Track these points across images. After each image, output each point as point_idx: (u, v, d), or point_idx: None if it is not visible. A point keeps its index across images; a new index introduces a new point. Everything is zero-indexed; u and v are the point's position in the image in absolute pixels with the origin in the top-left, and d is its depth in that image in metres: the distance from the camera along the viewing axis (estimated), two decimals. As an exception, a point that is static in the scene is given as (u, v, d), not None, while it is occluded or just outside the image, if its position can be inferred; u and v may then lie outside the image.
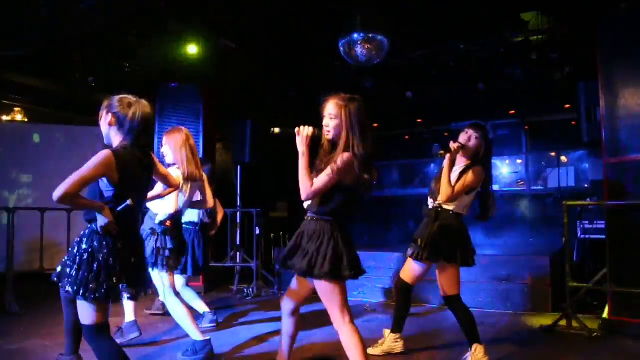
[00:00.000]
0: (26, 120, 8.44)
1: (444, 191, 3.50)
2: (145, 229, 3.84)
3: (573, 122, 7.71)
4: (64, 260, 2.58)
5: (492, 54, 7.42)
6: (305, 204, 2.84)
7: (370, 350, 3.72)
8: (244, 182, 7.60)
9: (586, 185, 8.10)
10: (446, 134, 9.90)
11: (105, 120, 2.64)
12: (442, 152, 3.59)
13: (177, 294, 3.99)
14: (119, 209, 2.51)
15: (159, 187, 3.69)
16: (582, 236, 6.04)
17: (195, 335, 3.74)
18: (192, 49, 7.00)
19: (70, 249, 2.59)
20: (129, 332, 4.22)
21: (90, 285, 2.45)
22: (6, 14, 5.50)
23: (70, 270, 2.49)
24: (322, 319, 2.85)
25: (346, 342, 2.78)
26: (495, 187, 9.18)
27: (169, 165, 4.03)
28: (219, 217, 5.16)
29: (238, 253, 7.15)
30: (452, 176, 3.56)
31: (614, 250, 4.54)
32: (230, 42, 7.02)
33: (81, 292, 2.45)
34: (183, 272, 4.56)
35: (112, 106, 2.64)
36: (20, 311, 5.31)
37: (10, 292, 5.41)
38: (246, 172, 7.63)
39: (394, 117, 9.88)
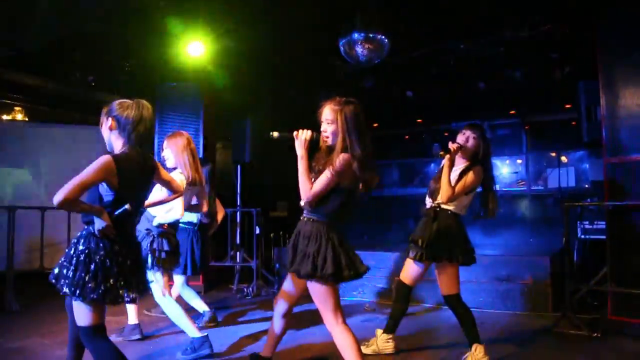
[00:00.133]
0: (26, 119, 8.45)
1: (444, 192, 3.51)
2: (140, 229, 3.86)
3: (573, 122, 7.71)
4: (60, 261, 2.58)
5: (492, 54, 7.41)
6: (302, 204, 2.85)
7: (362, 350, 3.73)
8: (244, 182, 7.60)
9: (586, 186, 8.09)
10: (446, 134, 9.89)
11: (106, 125, 2.65)
12: (441, 152, 3.60)
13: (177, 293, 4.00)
14: (116, 213, 2.52)
15: (158, 192, 3.69)
16: (583, 236, 6.04)
17: (192, 332, 3.76)
18: (192, 48, 6.98)
19: (67, 250, 2.59)
20: (130, 334, 4.25)
21: (88, 286, 2.45)
22: (6, 12, 5.50)
23: (67, 272, 2.50)
24: (320, 317, 2.86)
25: (340, 343, 2.80)
26: (495, 188, 9.16)
27: (169, 169, 4.05)
28: (219, 216, 5.17)
29: (238, 252, 7.15)
30: (451, 176, 3.57)
31: (614, 251, 4.54)
32: (230, 41, 7.01)
33: (77, 292, 2.46)
34: (183, 272, 4.58)
35: (112, 110, 2.65)
36: (20, 310, 5.32)
37: (11, 291, 5.41)
38: (246, 172, 7.63)
39: (394, 117, 9.88)
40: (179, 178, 3.90)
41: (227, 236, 7.04)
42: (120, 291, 2.53)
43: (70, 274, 2.48)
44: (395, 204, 9.19)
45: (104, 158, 2.49)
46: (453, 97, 8.66)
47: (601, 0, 4.76)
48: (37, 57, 6.90)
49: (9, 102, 8.26)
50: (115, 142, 2.65)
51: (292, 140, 2.82)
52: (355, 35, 6.09)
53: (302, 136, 2.81)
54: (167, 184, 3.01)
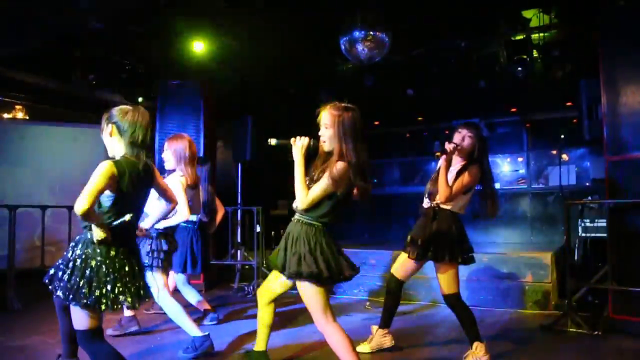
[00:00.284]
0: (27, 117, 8.45)
1: (442, 192, 3.52)
2: (139, 234, 3.87)
3: (574, 120, 7.70)
4: (57, 263, 2.58)
5: (494, 52, 7.40)
6: (294, 205, 2.88)
7: (360, 348, 3.76)
8: (245, 180, 7.60)
9: (587, 184, 8.08)
10: (447, 132, 9.87)
11: (106, 131, 2.66)
12: (437, 153, 3.61)
13: (177, 290, 4.00)
14: (115, 223, 2.52)
15: (156, 200, 3.73)
16: (583, 234, 6.03)
17: (193, 331, 3.77)
18: (193, 47, 6.99)
19: (65, 253, 2.59)
20: (128, 326, 4.30)
21: (82, 291, 2.45)
22: (6, 11, 5.50)
23: (62, 275, 2.50)
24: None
25: (333, 341, 2.84)
26: (496, 185, 9.15)
27: (168, 171, 4.08)
28: (219, 215, 5.17)
29: (239, 251, 7.16)
30: (449, 176, 3.58)
31: (615, 249, 4.53)
32: (231, 40, 7.01)
33: (71, 297, 2.45)
34: (183, 270, 4.60)
35: (112, 116, 2.66)
36: (21, 308, 5.32)
37: (12, 289, 5.42)
38: (247, 170, 7.63)
39: (394, 115, 9.87)
40: (179, 180, 3.93)
41: (228, 235, 7.04)
42: (120, 297, 2.52)
43: (66, 277, 2.48)
44: (396, 202, 9.19)
45: (105, 164, 2.50)
46: (454, 95, 8.65)
47: (603, -1, 4.76)
48: (37, 56, 6.91)
49: (10, 100, 8.27)
50: (116, 148, 2.66)
51: (290, 147, 2.86)
52: (356, 34, 6.09)
53: (299, 143, 2.84)
54: (163, 192, 3.01)
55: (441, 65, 7.75)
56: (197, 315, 4.81)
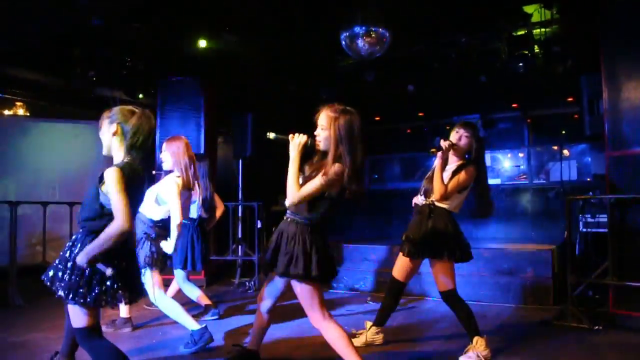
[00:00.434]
0: (28, 114, 8.45)
1: (437, 190, 3.54)
2: (137, 232, 3.95)
3: (575, 116, 7.69)
4: (55, 263, 2.59)
5: (495, 47, 7.38)
6: (286, 204, 2.90)
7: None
8: (246, 176, 7.61)
9: (588, 179, 8.07)
10: (447, 127, 9.86)
11: (109, 129, 2.63)
12: (433, 150, 3.62)
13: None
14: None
15: (150, 199, 3.94)
16: (584, 230, 6.03)
17: (191, 325, 3.81)
18: (193, 43, 6.98)
19: (61, 253, 2.60)
20: (121, 327, 4.35)
21: (81, 290, 2.46)
22: (7, 8, 5.49)
23: (62, 274, 2.50)
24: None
25: (330, 337, 2.88)
26: (497, 181, 9.17)
27: (165, 172, 4.13)
28: (218, 212, 5.19)
29: (240, 246, 7.17)
30: (444, 175, 3.59)
31: (616, 244, 4.54)
32: (231, 36, 7.00)
33: (71, 296, 2.46)
34: (183, 267, 4.62)
35: (116, 116, 2.64)
36: (23, 304, 5.34)
37: (13, 285, 5.43)
38: (247, 166, 7.64)
39: (395, 111, 9.87)
40: (175, 181, 3.99)
41: (229, 230, 7.04)
42: (119, 292, 2.54)
43: (66, 277, 2.49)
44: (397, 198, 9.17)
45: (116, 171, 2.47)
46: (454, 91, 8.64)
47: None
48: (38, 53, 6.90)
49: (10, 97, 8.26)
50: (116, 149, 2.65)
51: (288, 142, 2.87)
52: (357, 29, 6.07)
53: (296, 140, 2.85)
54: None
55: (442, 61, 7.73)
56: (198, 311, 4.82)
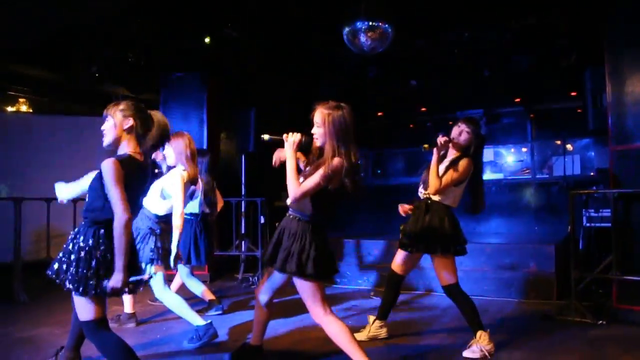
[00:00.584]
0: (31, 111, 8.46)
1: (432, 183, 3.57)
2: (142, 227, 3.98)
3: (579, 110, 7.66)
4: (59, 256, 2.60)
5: (498, 42, 7.35)
6: (288, 202, 2.92)
7: (356, 336, 3.78)
8: (248, 172, 7.61)
9: (592, 174, 8.05)
10: (450, 123, 9.82)
11: (123, 123, 2.63)
12: (425, 146, 3.63)
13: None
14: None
15: (156, 193, 3.99)
16: (588, 224, 6.02)
17: (196, 321, 3.83)
18: (196, 38, 6.97)
19: (64, 246, 2.60)
20: (125, 323, 4.38)
21: (90, 282, 2.47)
22: (10, 5, 5.50)
23: (68, 267, 2.52)
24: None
25: (332, 332, 2.92)
26: (500, 176, 9.16)
27: (169, 167, 4.17)
28: (218, 207, 5.21)
29: (243, 242, 7.18)
30: (441, 168, 3.61)
31: (619, 239, 4.53)
32: (233, 31, 6.99)
33: (81, 289, 2.48)
34: (187, 262, 4.64)
35: (130, 111, 2.64)
36: (28, 300, 5.36)
37: (19, 281, 5.46)
38: (250, 161, 7.64)
39: (398, 106, 9.83)
40: (180, 174, 4.05)
41: (232, 226, 7.06)
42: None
43: (73, 270, 2.50)
44: (400, 193, 9.15)
45: (113, 163, 2.48)
46: (457, 86, 8.62)
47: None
48: (40, 49, 6.90)
49: (13, 93, 8.28)
50: (125, 142, 2.65)
51: (283, 142, 2.90)
52: (359, 24, 6.05)
53: (291, 139, 2.88)
54: None
55: (444, 56, 7.71)
56: (202, 306, 4.84)
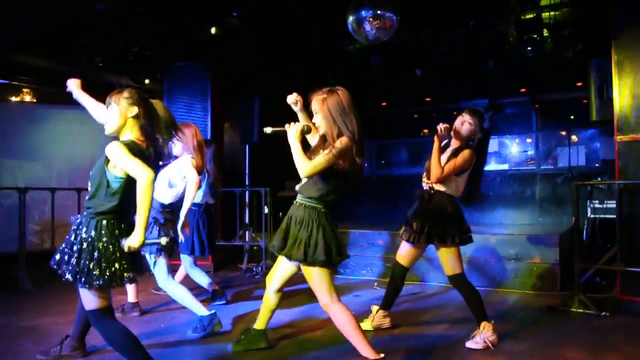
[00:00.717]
0: (35, 101, 8.46)
1: (434, 172, 3.57)
2: None
3: (584, 101, 7.61)
4: (61, 247, 2.61)
5: (503, 31, 7.30)
6: (297, 187, 2.94)
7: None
8: (253, 162, 7.61)
9: (597, 165, 8.01)
10: (455, 113, 9.78)
11: (127, 111, 2.63)
12: (425, 130, 3.62)
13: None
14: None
15: (163, 183, 4.02)
16: (592, 216, 6.00)
17: (200, 311, 3.85)
18: (199, 28, 6.94)
19: (67, 236, 2.61)
20: (130, 311, 4.41)
21: (93, 273, 2.48)
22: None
23: (70, 258, 2.52)
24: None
25: (338, 320, 2.94)
26: (505, 167, 9.12)
27: (174, 157, 4.20)
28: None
29: (247, 232, 7.19)
30: (443, 157, 3.60)
31: (624, 230, 4.51)
32: (237, 20, 6.95)
33: (83, 280, 2.49)
34: (190, 252, 4.65)
35: (135, 98, 2.64)
36: (32, 289, 5.39)
37: (23, 271, 5.49)
38: (254, 151, 7.64)
39: (402, 96, 9.79)
40: (189, 160, 4.11)
41: (236, 216, 7.07)
42: (125, 274, 2.57)
43: (74, 261, 2.51)
44: (404, 183, 9.15)
45: (118, 144, 2.50)
46: (462, 76, 8.56)
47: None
48: (44, 39, 6.88)
49: (17, 84, 8.27)
50: (130, 130, 2.65)
51: (286, 134, 2.90)
52: (364, 13, 6.00)
53: (292, 128, 2.87)
54: None
55: (449, 45, 7.65)
56: (206, 296, 4.86)
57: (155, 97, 2.86)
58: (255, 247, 7.07)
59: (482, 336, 3.49)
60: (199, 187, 4.58)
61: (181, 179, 4.13)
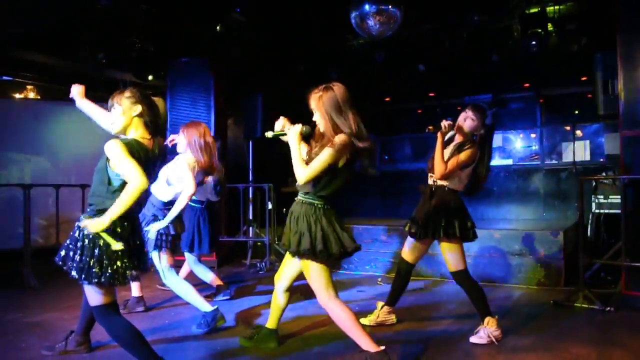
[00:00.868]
0: (39, 97, 8.48)
1: (437, 168, 3.56)
2: (146, 214, 3.99)
3: (589, 95, 7.57)
4: (66, 243, 2.62)
5: (507, 26, 7.26)
6: (299, 183, 2.91)
7: (363, 321, 3.80)
8: (256, 157, 7.61)
9: (602, 160, 7.99)
10: (459, 108, 9.75)
11: (131, 109, 2.65)
12: (430, 127, 3.61)
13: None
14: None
15: (164, 186, 3.99)
16: (597, 211, 5.98)
17: (203, 307, 3.86)
18: (203, 24, 6.93)
19: (71, 233, 2.62)
20: (134, 307, 4.41)
21: (93, 270, 2.49)
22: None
23: (74, 255, 2.53)
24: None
25: (336, 316, 2.94)
26: (509, 162, 9.10)
27: (177, 153, 4.19)
28: None
29: (250, 228, 7.20)
30: (446, 153, 3.60)
31: (629, 225, 4.49)
32: (240, 16, 6.94)
33: (84, 276, 2.50)
34: (190, 250, 4.66)
35: (138, 97, 2.66)
36: (37, 285, 5.41)
37: (28, 267, 5.51)
38: (258, 147, 7.64)
39: (406, 91, 9.78)
40: (185, 160, 4.06)
41: (240, 212, 7.08)
42: (127, 272, 2.58)
43: (77, 257, 2.52)
44: (407, 179, 9.15)
45: (115, 141, 2.50)
46: (466, 71, 8.54)
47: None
48: (47, 35, 6.89)
49: (21, 80, 8.29)
50: (134, 128, 2.67)
51: (285, 136, 2.91)
52: (367, 8, 5.98)
53: (292, 129, 2.88)
54: None
55: (453, 40, 7.62)
56: (210, 292, 4.86)
57: (159, 94, 2.87)
58: (259, 243, 7.07)
59: (486, 331, 3.49)
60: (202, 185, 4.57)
61: (178, 178, 4.07)
